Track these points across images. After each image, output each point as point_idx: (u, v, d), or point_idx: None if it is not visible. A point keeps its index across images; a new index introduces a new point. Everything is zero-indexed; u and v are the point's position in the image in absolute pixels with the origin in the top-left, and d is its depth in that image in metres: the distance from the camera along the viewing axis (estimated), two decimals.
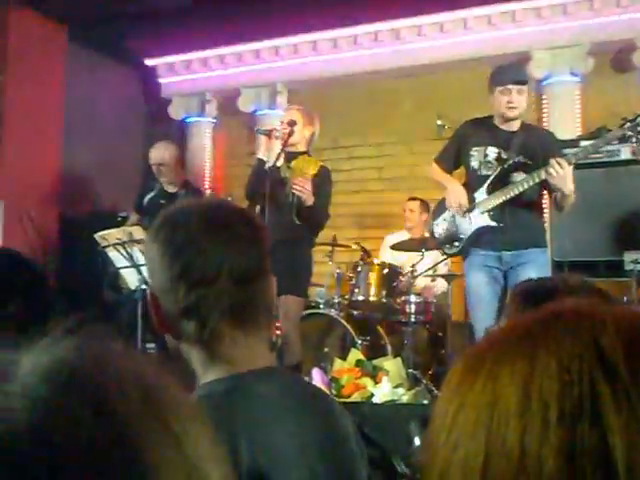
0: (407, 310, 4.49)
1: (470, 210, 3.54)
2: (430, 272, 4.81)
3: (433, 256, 4.76)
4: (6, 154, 5.58)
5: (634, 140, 3.31)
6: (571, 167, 3.26)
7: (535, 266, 3.41)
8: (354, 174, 6.30)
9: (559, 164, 3.21)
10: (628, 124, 3.28)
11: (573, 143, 4.11)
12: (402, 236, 5.27)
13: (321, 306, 4.74)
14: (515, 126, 3.54)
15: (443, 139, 4.07)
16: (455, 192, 3.58)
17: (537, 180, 3.35)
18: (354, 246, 5.12)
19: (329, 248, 5.04)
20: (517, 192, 3.41)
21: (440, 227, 3.71)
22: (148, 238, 1.18)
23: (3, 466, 0.36)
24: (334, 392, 3.17)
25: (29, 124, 5.66)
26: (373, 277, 4.62)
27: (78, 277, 5.43)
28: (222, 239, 1.13)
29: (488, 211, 3.49)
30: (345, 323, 4.46)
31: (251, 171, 4.06)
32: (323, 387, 3.13)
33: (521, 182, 3.40)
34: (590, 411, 0.43)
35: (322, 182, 3.91)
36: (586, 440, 0.42)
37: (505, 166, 3.48)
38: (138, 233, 3.80)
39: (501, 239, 3.48)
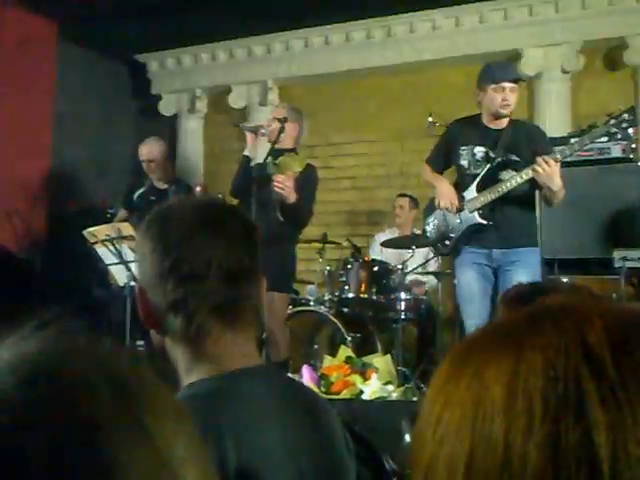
0: (397, 307, 4.49)
1: (460, 209, 3.55)
2: (420, 269, 4.82)
3: (423, 253, 4.77)
4: None
5: (619, 136, 3.31)
6: (558, 164, 3.26)
7: (526, 265, 3.42)
8: (345, 171, 6.30)
9: (545, 162, 3.21)
10: (613, 120, 3.28)
11: (563, 140, 4.11)
12: (392, 234, 5.27)
13: (311, 303, 4.75)
14: (503, 123, 3.55)
15: (434, 136, 4.07)
16: (445, 192, 3.59)
17: (525, 178, 3.35)
18: (344, 243, 5.13)
19: (319, 245, 5.04)
20: (506, 190, 3.42)
21: (431, 226, 3.71)
22: (139, 233, 1.18)
23: None
24: (323, 389, 3.17)
25: (18, 120, 5.62)
26: (363, 274, 4.62)
27: (66, 274, 5.40)
28: (213, 236, 1.12)
29: (478, 209, 3.49)
30: (335, 320, 4.47)
31: (237, 168, 4.06)
32: (312, 384, 3.13)
33: (509, 180, 3.41)
34: (575, 407, 0.42)
35: (307, 180, 3.92)
36: (571, 436, 0.42)
37: (494, 164, 3.49)
38: (127, 229, 3.79)
39: (491, 237, 3.49)
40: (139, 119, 7.02)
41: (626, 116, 3.26)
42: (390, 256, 4.96)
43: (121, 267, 3.88)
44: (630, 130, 3.33)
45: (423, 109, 5.00)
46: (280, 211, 3.78)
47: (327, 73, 6.22)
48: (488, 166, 3.50)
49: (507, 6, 5.59)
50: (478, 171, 3.53)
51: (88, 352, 0.44)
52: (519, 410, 0.43)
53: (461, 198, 3.57)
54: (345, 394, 3.15)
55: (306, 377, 3.21)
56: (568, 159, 3.50)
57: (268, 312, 3.55)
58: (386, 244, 4.91)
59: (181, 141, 6.79)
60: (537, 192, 3.61)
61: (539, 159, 3.24)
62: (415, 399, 3.21)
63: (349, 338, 4.33)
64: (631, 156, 4.26)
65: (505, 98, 3.45)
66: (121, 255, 3.83)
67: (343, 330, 4.38)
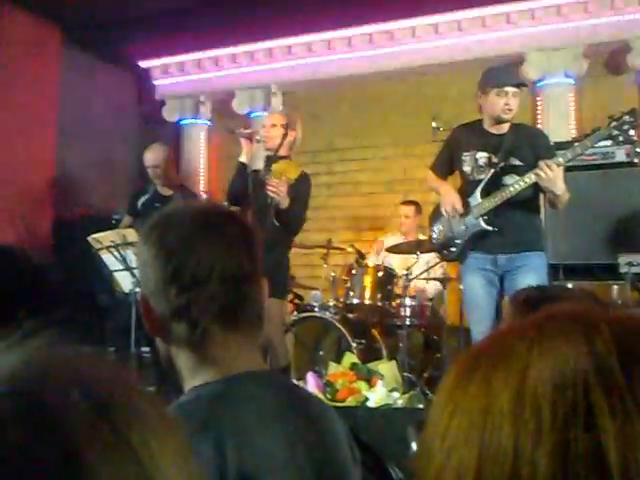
0: (402, 313, 4.48)
1: (465, 214, 3.54)
2: (425, 275, 4.81)
3: (427, 258, 4.77)
4: (0, 156, 5.56)
5: (621, 139, 3.30)
6: (561, 168, 3.25)
7: (531, 270, 3.40)
8: (349, 176, 6.31)
9: (548, 167, 3.20)
10: (614, 123, 3.27)
11: (567, 145, 4.10)
12: (396, 239, 5.27)
13: (316, 309, 4.73)
14: (504, 128, 3.54)
15: (438, 141, 4.06)
16: (449, 197, 3.58)
17: (528, 182, 3.34)
18: (349, 249, 5.12)
19: (324, 251, 5.03)
20: (510, 195, 3.40)
21: (437, 232, 3.71)
22: (140, 240, 1.18)
23: None
24: (329, 396, 3.16)
25: (23, 126, 5.64)
26: (368, 280, 4.61)
27: (71, 280, 5.40)
28: (214, 241, 1.13)
29: (482, 215, 3.48)
30: (340, 326, 4.45)
31: (233, 174, 4.08)
32: (317, 391, 3.12)
33: (513, 184, 3.40)
34: (584, 415, 0.42)
35: (301, 187, 3.93)
36: (580, 444, 0.41)
37: (497, 169, 3.48)
38: (132, 236, 3.78)
39: (496, 242, 3.47)
40: (144, 125, 7.04)
41: (627, 118, 3.25)
42: (394, 262, 4.96)
43: (126, 273, 3.88)
44: (631, 132, 3.32)
45: (427, 114, 5.00)
46: (275, 216, 3.81)
47: (330, 78, 6.23)
48: (492, 171, 3.49)
49: (510, 11, 5.59)
50: (481, 177, 3.52)
51: (70, 366, 0.43)
52: (528, 418, 0.43)
53: (466, 204, 3.56)
54: (350, 401, 3.14)
55: (311, 384, 3.20)
56: (572, 163, 3.48)
57: (266, 319, 3.54)
58: (392, 250, 4.90)
59: (185, 147, 6.80)
60: (542, 196, 3.60)
61: (542, 163, 3.23)
62: (421, 406, 3.19)
63: (354, 344, 4.32)
64: (635, 160, 4.24)
65: (507, 103, 3.44)
66: (126, 261, 3.83)
67: (348, 336, 4.37)
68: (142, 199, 4.82)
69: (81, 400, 0.40)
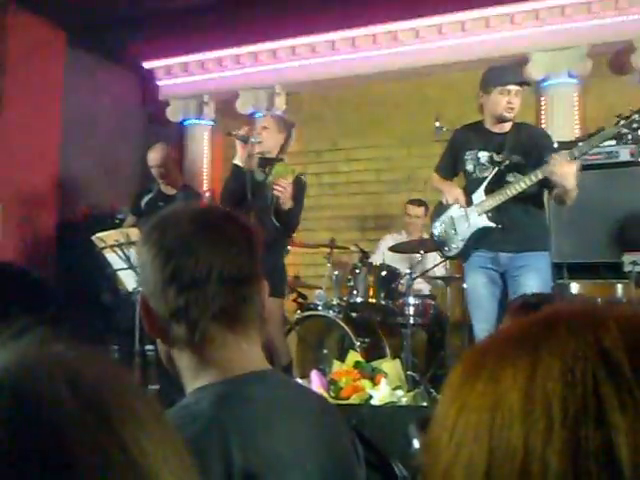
0: (406, 312, 4.48)
1: (468, 209, 3.54)
2: (428, 274, 4.81)
3: (430, 258, 4.76)
4: (4, 156, 5.57)
5: (630, 137, 3.29)
6: (574, 163, 3.21)
7: (535, 270, 3.38)
8: (353, 176, 6.31)
9: (560, 161, 3.18)
10: (623, 121, 3.26)
11: (571, 145, 4.10)
12: (400, 237, 5.26)
13: (319, 308, 4.74)
14: (506, 127, 3.54)
15: (441, 141, 4.06)
16: (452, 191, 3.58)
17: (534, 180, 3.32)
18: (352, 248, 5.12)
19: (327, 250, 5.04)
20: (515, 192, 3.39)
21: (438, 230, 3.70)
22: (140, 241, 1.18)
23: None
24: (332, 394, 3.16)
25: (28, 127, 5.65)
26: (371, 279, 4.61)
27: (76, 279, 5.41)
28: (213, 242, 1.12)
29: (486, 212, 3.48)
30: (344, 325, 4.45)
31: (228, 177, 4.09)
32: (321, 389, 3.12)
33: (518, 182, 3.38)
34: (595, 412, 0.42)
35: (297, 190, 3.96)
36: (591, 441, 0.41)
37: (501, 167, 3.48)
38: (135, 235, 3.79)
39: (498, 239, 3.47)
40: (147, 125, 7.05)
41: (637, 117, 3.24)
42: (396, 261, 4.95)
43: (130, 272, 3.89)
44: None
45: (430, 114, 5.00)
46: (275, 216, 3.83)
47: (334, 78, 6.23)
48: (495, 169, 3.48)
49: (514, 11, 5.59)
50: (484, 175, 3.52)
51: (60, 363, 0.43)
52: (538, 415, 0.43)
53: (469, 202, 3.56)
54: (354, 399, 3.14)
55: (315, 382, 3.21)
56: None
57: (267, 318, 3.56)
58: (394, 249, 4.89)
59: (189, 147, 6.80)
60: (546, 194, 3.59)
61: (554, 156, 3.22)
62: (425, 404, 3.19)
63: (358, 343, 4.32)
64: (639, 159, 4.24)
65: (510, 101, 3.44)
66: (130, 260, 3.84)
67: (352, 335, 4.37)
68: (145, 199, 4.83)
69: (70, 396, 0.40)
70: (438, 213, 3.74)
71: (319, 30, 6.07)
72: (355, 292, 4.62)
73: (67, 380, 0.41)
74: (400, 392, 3.22)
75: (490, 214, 3.47)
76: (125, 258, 3.87)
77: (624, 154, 4.28)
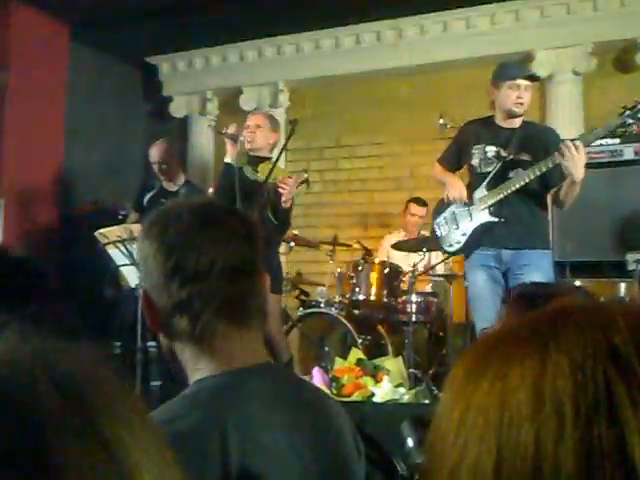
0: (408, 309, 4.48)
1: (470, 205, 3.53)
2: (430, 271, 4.80)
3: (433, 256, 4.76)
4: (7, 152, 5.57)
5: (634, 127, 3.27)
6: (583, 152, 3.16)
7: (538, 269, 3.38)
8: (356, 173, 6.30)
9: (575, 146, 3.15)
10: (628, 112, 3.25)
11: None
12: (399, 236, 5.26)
13: (322, 305, 4.74)
14: (516, 123, 3.54)
15: (445, 138, 4.06)
16: (454, 185, 3.57)
17: (544, 169, 3.29)
18: (355, 245, 5.11)
19: (330, 247, 5.03)
20: (518, 186, 3.38)
21: (440, 226, 3.70)
22: (141, 236, 1.18)
23: None
24: (335, 391, 3.16)
25: (31, 122, 5.65)
26: (374, 276, 4.61)
27: (78, 275, 5.42)
28: (214, 235, 1.13)
29: (488, 207, 3.47)
30: (346, 322, 4.45)
31: (220, 176, 4.10)
32: (324, 386, 3.12)
33: (522, 176, 3.37)
34: (607, 410, 0.42)
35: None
36: (604, 439, 0.41)
37: (505, 162, 3.47)
38: (138, 231, 3.78)
39: (500, 235, 3.46)
40: (150, 121, 7.05)
41: None
42: (399, 259, 4.95)
43: (132, 268, 3.89)
44: None
45: (434, 111, 4.99)
46: (272, 213, 3.84)
47: (338, 75, 6.22)
48: (499, 164, 3.47)
49: (519, 8, 5.58)
50: (488, 169, 3.51)
51: (39, 357, 0.42)
52: (548, 414, 0.43)
53: (472, 197, 3.55)
54: (356, 396, 3.14)
55: (317, 379, 3.21)
56: None
57: None
58: (397, 246, 4.89)
59: (192, 143, 6.80)
60: (549, 194, 3.58)
61: (566, 141, 3.20)
62: (427, 401, 3.19)
63: (360, 340, 4.32)
64: None
65: (520, 96, 3.44)
66: (132, 256, 3.84)
67: (354, 332, 4.37)
68: (148, 195, 4.84)
69: (51, 394, 0.39)
70: (440, 210, 3.74)
71: (323, 27, 6.06)
72: (357, 289, 4.62)
73: (48, 377, 0.40)
74: (402, 390, 3.22)
75: (492, 209, 3.47)
76: (128, 254, 3.87)
77: (628, 152, 4.27)
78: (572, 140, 3.27)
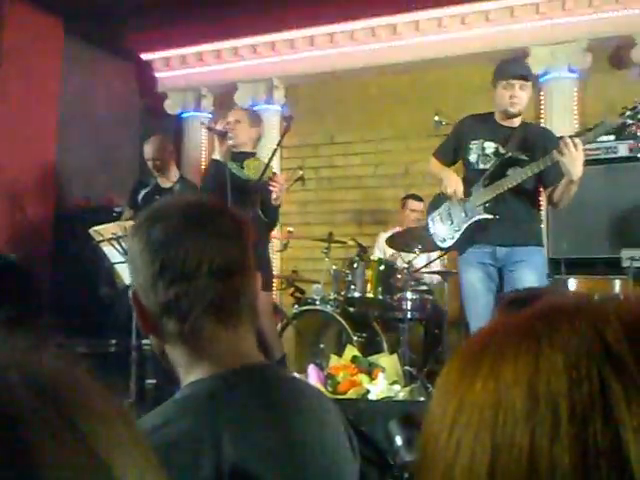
0: (403, 307, 4.48)
1: (466, 200, 3.53)
2: (425, 268, 4.80)
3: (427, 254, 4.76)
4: (0, 148, 5.55)
5: (633, 129, 3.27)
6: (581, 152, 3.16)
7: (531, 266, 3.38)
8: (350, 170, 6.30)
9: (574, 144, 3.14)
10: (628, 112, 3.25)
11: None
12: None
13: (317, 302, 4.73)
14: (516, 123, 3.54)
15: (440, 135, 4.06)
16: (451, 180, 3.56)
17: (542, 167, 3.29)
18: (350, 242, 5.11)
19: (325, 244, 5.03)
20: (514, 183, 3.38)
21: (435, 221, 3.69)
22: (129, 234, 1.17)
23: None
24: (330, 389, 3.16)
25: (24, 118, 5.63)
26: (369, 274, 4.61)
27: (72, 272, 5.40)
28: (202, 234, 1.11)
29: (484, 204, 3.47)
30: (341, 320, 4.45)
31: (206, 172, 4.09)
32: (319, 384, 3.12)
33: (524, 171, 3.36)
34: (602, 409, 0.41)
35: None
36: (599, 438, 0.41)
37: (503, 160, 3.47)
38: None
39: (496, 232, 3.46)
40: (145, 117, 7.03)
41: None
42: (393, 253, 4.95)
43: (127, 266, 3.88)
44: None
45: (429, 109, 4.99)
46: (262, 211, 3.84)
47: (332, 71, 6.22)
48: (497, 161, 3.47)
49: (514, 4, 5.58)
50: (485, 166, 3.51)
51: (11, 359, 0.42)
52: (543, 413, 0.42)
53: (468, 193, 3.55)
54: (352, 394, 3.15)
55: (312, 377, 3.21)
56: None
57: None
58: (391, 242, 4.87)
59: (186, 139, 6.79)
60: (544, 193, 3.58)
61: (567, 139, 3.19)
62: (422, 399, 3.20)
63: (355, 338, 4.32)
64: (638, 155, 4.23)
65: (514, 95, 3.43)
66: (127, 254, 3.83)
67: (349, 330, 4.37)
68: (143, 192, 4.82)
69: (25, 392, 0.39)
70: (435, 204, 3.73)
71: (318, 23, 6.05)
72: (353, 287, 4.62)
73: (21, 376, 0.40)
74: (397, 387, 3.23)
75: (488, 205, 3.46)
76: (123, 251, 3.86)
77: (623, 149, 4.28)
78: (571, 137, 3.27)
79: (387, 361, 3.43)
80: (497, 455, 0.43)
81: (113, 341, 5.21)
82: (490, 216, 3.45)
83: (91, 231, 3.98)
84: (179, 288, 1.08)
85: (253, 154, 4.12)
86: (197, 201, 1.21)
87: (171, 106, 6.87)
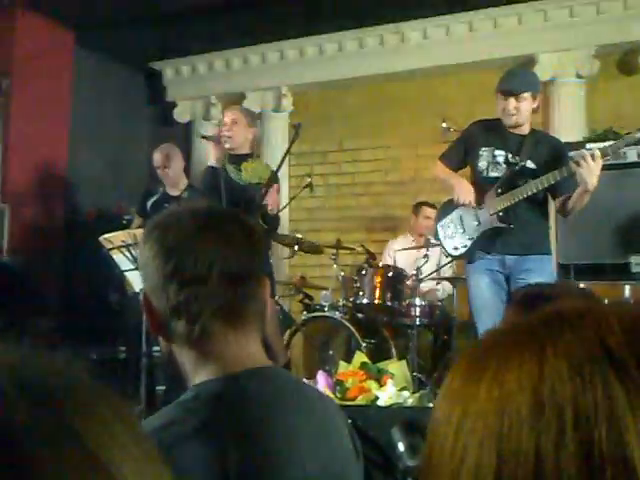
0: (412, 313, 4.47)
1: (478, 208, 3.51)
2: (435, 275, 4.80)
3: (436, 259, 4.75)
4: (12, 157, 5.60)
5: None
6: (599, 163, 3.13)
7: (539, 274, 3.36)
8: (359, 177, 6.31)
9: (592, 156, 3.12)
10: None
11: (578, 145, 4.09)
12: (406, 240, 5.24)
13: (326, 309, 4.73)
14: (525, 130, 3.51)
15: (448, 142, 4.05)
16: (463, 188, 3.53)
17: (558, 178, 3.26)
18: (358, 249, 5.11)
19: (333, 251, 5.03)
20: (529, 193, 3.36)
21: (446, 228, 3.68)
22: (142, 240, 1.18)
23: None
24: (339, 395, 3.16)
25: (36, 127, 5.68)
26: (378, 280, 4.60)
27: (83, 280, 5.43)
28: (214, 239, 1.13)
29: (497, 212, 3.45)
30: (350, 326, 4.45)
31: (202, 179, 4.01)
32: (328, 390, 3.12)
33: (540, 182, 3.34)
34: (607, 414, 0.42)
35: (274, 185, 3.87)
36: (604, 443, 0.41)
37: (515, 169, 3.45)
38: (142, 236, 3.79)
39: (505, 241, 3.45)
40: (154, 126, 7.07)
41: None
42: (404, 263, 4.94)
43: (137, 273, 3.89)
44: None
45: (437, 115, 4.99)
46: (261, 218, 3.79)
47: (341, 79, 6.24)
48: (510, 170, 3.45)
49: (521, 11, 5.58)
50: (495, 174, 3.49)
51: (5, 362, 0.42)
52: (548, 419, 0.43)
53: (479, 200, 3.52)
54: (360, 400, 3.14)
55: (321, 383, 3.21)
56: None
57: None
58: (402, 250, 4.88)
59: (196, 148, 6.81)
60: (553, 201, 3.57)
61: (585, 152, 3.17)
62: (431, 405, 3.19)
63: (364, 344, 4.31)
64: None
65: (507, 107, 3.41)
66: (136, 261, 3.85)
67: (358, 336, 4.36)
68: (151, 200, 4.84)
69: (16, 393, 0.39)
70: (446, 211, 3.71)
71: (326, 31, 6.08)
72: (361, 293, 4.61)
73: (10, 378, 0.40)
74: (406, 393, 3.22)
75: (501, 214, 3.45)
76: (132, 259, 3.88)
77: (632, 155, 4.27)
78: (572, 147, 3.26)
79: (396, 367, 3.42)
80: (503, 461, 0.43)
81: (123, 348, 5.23)
82: (504, 225, 3.44)
83: (101, 239, 4.00)
84: (190, 291, 1.10)
85: (250, 155, 4.01)
86: (209, 208, 1.23)
87: (180, 114, 6.91)
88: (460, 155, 3.65)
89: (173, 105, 6.91)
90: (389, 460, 1.59)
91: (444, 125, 4.59)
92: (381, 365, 3.43)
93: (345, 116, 6.28)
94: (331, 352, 4.54)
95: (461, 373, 0.50)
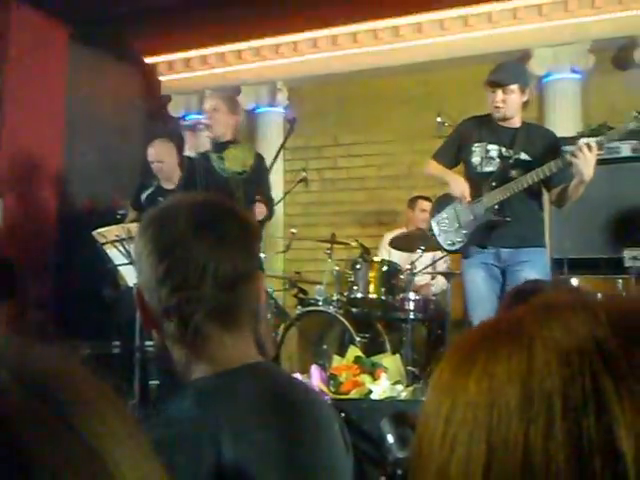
0: (406, 307, 4.48)
1: (473, 203, 3.52)
2: (429, 270, 4.80)
3: (431, 253, 4.75)
4: (7, 151, 5.58)
5: None
6: (594, 154, 3.14)
7: (534, 266, 3.38)
8: (353, 172, 6.31)
9: (588, 147, 3.13)
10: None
11: (572, 140, 4.08)
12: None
13: (320, 303, 4.73)
14: (516, 123, 3.52)
15: (443, 137, 4.05)
16: (458, 184, 3.54)
17: (554, 170, 3.28)
18: (353, 243, 5.11)
19: (328, 245, 5.03)
20: (524, 186, 3.36)
21: (441, 223, 3.68)
22: (137, 234, 1.17)
23: None
24: (332, 389, 3.17)
25: (30, 121, 5.66)
26: (372, 274, 4.61)
27: (77, 274, 5.42)
28: (209, 241, 1.11)
29: (492, 206, 3.46)
30: (344, 320, 4.45)
31: (183, 174, 3.94)
32: (322, 384, 3.13)
33: (535, 174, 3.34)
34: (595, 405, 0.42)
35: (262, 172, 3.80)
36: (593, 434, 0.41)
37: (508, 162, 3.46)
38: (136, 230, 3.78)
39: (501, 234, 3.46)
40: (149, 120, 7.05)
41: None
42: (398, 257, 4.94)
43: (130, 267, 3.89)
44: None
45: (432, 110, 4.99)
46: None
47: (336, 73, 6.23)
48: (503, 164, 3.46)
49: (516, 6, 5.58)
50: (489, 169, 3.50)
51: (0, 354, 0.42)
52: (537, 411, 0.43)
53: (474, 195, 3.53)
54: (354, 394, 3.15)
55: (315, 377, 3.21)
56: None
57: None
58: (395, 243, 4.86)
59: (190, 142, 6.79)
60: (547, 193, 3.58)
61: (581, 142, 3.18)
62: (424, 399, 3.20)
63: (358, 338, 4.32)
64: None
65: (494, 99, 3.42)
66: (130, 255, 3.84)
67: (352, 330, 4.37)
68: (146, 193, 4.83)
69: (15, 385, 0.39)
70: (440, 207, 3.71)
71: (321, 25, 6.07)
72: (355, 287, 4.62)
73: (9, 370, 0.40)
74: (400, 387, 3.23)
75: (496, 207, 3.46)
76: (126, 253, 3.87)
77: (625, 150, 4.28)
78: (566, 141, 3.26)
79: (390, 361, 3.43)
80: (492, 452, 0.44)
81: (116, 342, 5.22)
82: (499, 218, 3.45)
83: (94, 233, 3.99)
84: (181, 295, 1.09)
85: (233, 142, 3.94)
86: (205, 202, 1.19)
87: (175, 108, 6.89)
88: (453, 153, 3.65)
89: (168, 99, 6.89)
90: (381, 453, 1.60)
91: (439, 120, 4.59)
92: (375, 359, 3.44)
93: (340, 111, 6.27)
94: (325, 346, 4.55)
95: (451, 365, 0.50)
